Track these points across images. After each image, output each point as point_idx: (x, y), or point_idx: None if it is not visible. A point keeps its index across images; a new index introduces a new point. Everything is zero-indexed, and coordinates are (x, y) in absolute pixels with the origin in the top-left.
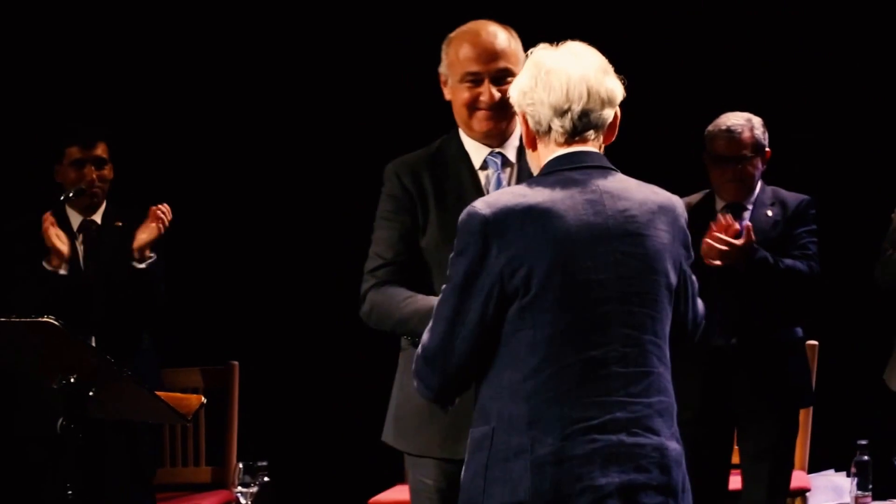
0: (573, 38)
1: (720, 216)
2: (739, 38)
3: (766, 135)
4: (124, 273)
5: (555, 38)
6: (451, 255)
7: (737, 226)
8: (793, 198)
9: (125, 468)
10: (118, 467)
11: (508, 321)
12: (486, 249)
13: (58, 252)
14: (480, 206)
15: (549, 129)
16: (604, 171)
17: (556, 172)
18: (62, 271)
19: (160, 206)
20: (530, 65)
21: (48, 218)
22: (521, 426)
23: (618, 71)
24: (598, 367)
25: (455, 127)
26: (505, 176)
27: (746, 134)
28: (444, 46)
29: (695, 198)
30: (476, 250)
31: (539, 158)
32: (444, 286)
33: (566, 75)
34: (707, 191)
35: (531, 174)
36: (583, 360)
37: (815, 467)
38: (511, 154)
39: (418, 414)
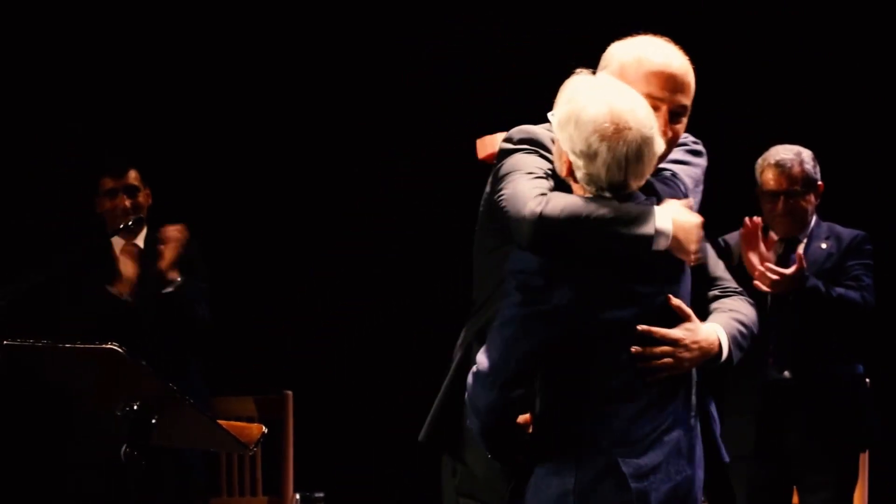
0: None
1: (745, 221)
2: (799, 72)
3: (818, 168)
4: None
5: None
6: (509, 282)
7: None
8: (848, 233)
9: (176, 496)
10: (169, 495)
11: (587, 343)
12: (550, 277)
13: (123, 277)
14: None
15: (596, 187)
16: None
17: None
18: (125, 297)
19: (169, 227)
20: (593, 117)
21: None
22: (605, 447)
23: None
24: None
25: None
26: None
27: (796, 168)
28: (614, 53)
29: None
30: (540, 278)
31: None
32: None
33: (635, 151)
34: (764, 226)
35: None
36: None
37: None
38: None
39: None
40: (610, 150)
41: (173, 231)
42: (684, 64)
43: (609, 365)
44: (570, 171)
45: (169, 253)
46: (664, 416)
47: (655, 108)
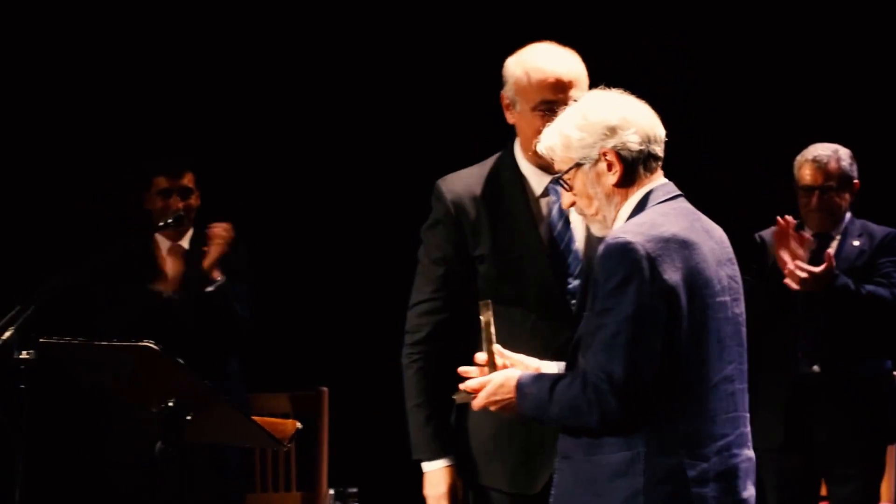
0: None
1: (778, 219)
2: (842, 72)
3: (855, 166)
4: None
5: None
6: (608, 286)
7: (807, 235)
8: (881, 230)
9: (213, 493)
10: (206, 492)
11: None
12: (653, 277)
13: (168, 276)
14: (632, 236)
15: (647, 157)
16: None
17: (664, 202)
18: (169, 295)
19: (216, 224)
20: (598, 99)
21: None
22: (673, 447)
23: (721, 96)
24: (728, 385)
25: (510, 143)
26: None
27: (832, 164)
28: (508, 68)
29: None
30: (644, 279)
31: (625, 195)
32: (605, 316)
33: (646, 108)
34: (799, 220)
35: None
36: (720, 378)
37: None
38: None
39: (487, 443)
40: (631, 107)
41: (220, 229)
42: (564, 62)
43: (685, 367)
44: (623, 165)
45: (213, 252)
46: (733, 427)
47: (552, 111)
